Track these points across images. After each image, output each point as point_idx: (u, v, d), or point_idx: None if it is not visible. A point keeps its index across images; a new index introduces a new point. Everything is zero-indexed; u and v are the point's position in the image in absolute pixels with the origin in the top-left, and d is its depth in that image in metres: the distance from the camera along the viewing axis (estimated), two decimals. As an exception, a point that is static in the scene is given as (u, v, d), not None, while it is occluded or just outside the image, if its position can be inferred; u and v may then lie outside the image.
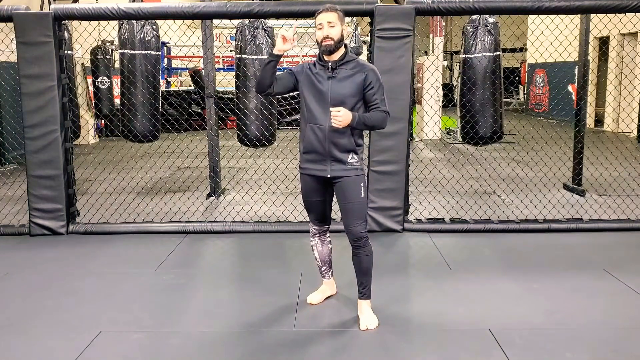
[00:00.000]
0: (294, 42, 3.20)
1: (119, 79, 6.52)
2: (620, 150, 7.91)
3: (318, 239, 3.59)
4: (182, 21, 9.87)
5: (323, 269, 3.68)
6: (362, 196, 3.30)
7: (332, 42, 3.20)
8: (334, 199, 3.44)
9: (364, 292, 3.39)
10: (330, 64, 3.26)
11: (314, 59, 3.40)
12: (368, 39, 5.86)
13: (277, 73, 3.35)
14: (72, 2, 9.30)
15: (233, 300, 3.83)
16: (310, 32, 14.05)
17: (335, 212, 3.67)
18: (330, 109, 3.12)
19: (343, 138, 3.24)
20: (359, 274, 3.38)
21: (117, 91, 10.44)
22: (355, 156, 3.29)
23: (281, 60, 3.38)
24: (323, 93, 3.24)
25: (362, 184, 3.31)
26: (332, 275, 3.74)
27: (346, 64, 3.27)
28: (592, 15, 6.30)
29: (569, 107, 12.91)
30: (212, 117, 6.39)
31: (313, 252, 3.65)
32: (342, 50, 3.28)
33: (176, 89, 14.47)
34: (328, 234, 3.62)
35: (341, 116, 3.08)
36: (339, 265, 4.03)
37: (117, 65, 8.14)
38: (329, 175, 3.30)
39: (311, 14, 5.03)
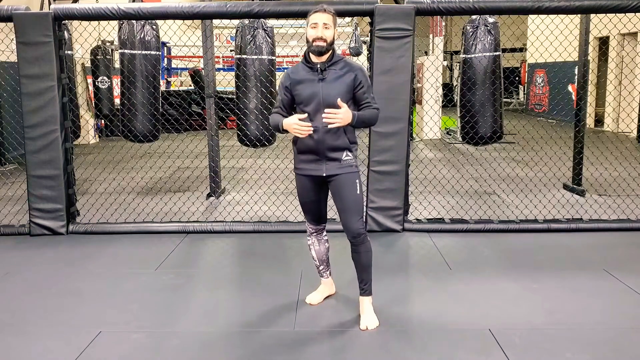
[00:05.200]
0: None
1: (119, 79, 6.52)
2: (620, 150, 7.91)
3: (315, 238, 3.60)
4: (182, 21, 9.87)
5: (321, 268, 3.69)
6: (358, 192, 3.32)
7: (324, 44, 3.21)
8: (329, 197, 3.45)
9: (365, 288, 3.40)
10: (319, 65, 3.27)
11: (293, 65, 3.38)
12: (368, 39, 5.86)
13: (278, 99, 3.39)
14: (72, 2, 9.30)
15: (233, 300, 3.83)
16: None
17: (334, 211, 3.67)
18: (326, 110, 3.12)
19: (337, 138, 3.26)
20: (359, 270, 3.39)
21: (117, 91, 10.44)
22: (349, 153, 3.31)
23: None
24: (315, 95, 3.24)
25: (357, 181, 3.32)
26: (330, 275, 3.74)
27: (335, 64, 3.29)
28: (592, 15, 6.30)
29: (569, 107, 12.90)
30: (212, 117, 6.40)
31: (310, 252, 3.65)
32: (330, 51, 3.28)
33: (176, 89, 14.47)
34: (325, 233, 3.62)
35: (343, 113, 3.10)
36: (338, 265, 4.03)
37: (117, 65, 8.14)
38: (324, 174, 3.31)
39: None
